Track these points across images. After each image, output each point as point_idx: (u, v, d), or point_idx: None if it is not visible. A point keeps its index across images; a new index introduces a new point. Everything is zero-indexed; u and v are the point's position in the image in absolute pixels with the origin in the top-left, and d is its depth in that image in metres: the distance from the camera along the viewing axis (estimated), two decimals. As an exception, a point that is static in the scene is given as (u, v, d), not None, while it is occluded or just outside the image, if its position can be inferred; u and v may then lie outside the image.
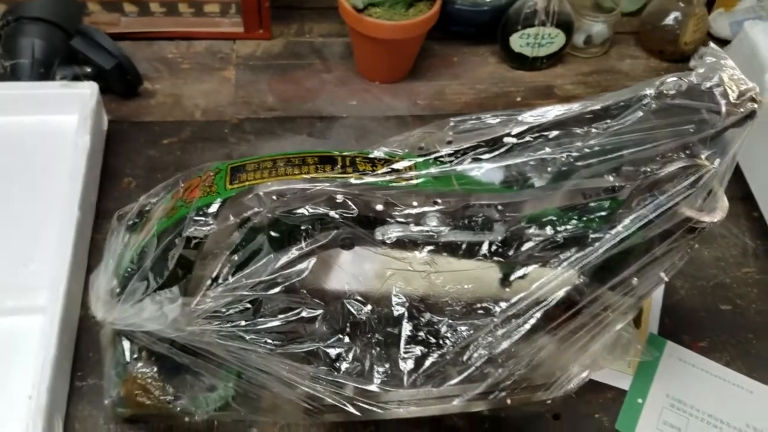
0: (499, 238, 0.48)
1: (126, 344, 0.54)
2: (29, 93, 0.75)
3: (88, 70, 0.80)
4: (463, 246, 0.48)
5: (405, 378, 0.47)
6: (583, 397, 0.63)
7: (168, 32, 0.91)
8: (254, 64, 0.90)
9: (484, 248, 0.48)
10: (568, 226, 0.48)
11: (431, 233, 0.47)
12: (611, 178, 0.47)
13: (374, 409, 0.46)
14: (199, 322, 0.49)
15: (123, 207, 0.56)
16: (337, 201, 0.46)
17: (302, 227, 0.47)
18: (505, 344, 0.46)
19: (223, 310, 0.48)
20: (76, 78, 0.79)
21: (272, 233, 0.47)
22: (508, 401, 0.48)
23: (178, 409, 0.53)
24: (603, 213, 0.49)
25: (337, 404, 0.46)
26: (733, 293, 0.71)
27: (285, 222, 0.46)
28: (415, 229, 0.47)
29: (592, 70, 0.93)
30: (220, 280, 0.48)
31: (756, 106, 0.47)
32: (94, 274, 0.54)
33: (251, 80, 0.87)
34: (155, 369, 0.53)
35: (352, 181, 0.46)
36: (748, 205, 0.78)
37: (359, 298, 0.49)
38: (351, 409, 0.46)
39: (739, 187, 0.78)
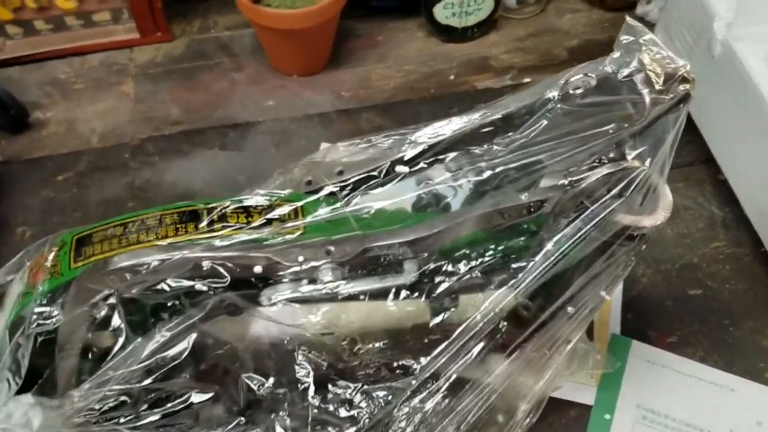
0: (409, 280, 0.41)
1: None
2: None
3: (-34, 111, 0.71)
4: (366, 298, 0.40)
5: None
6: (544, 420, 0.55)
7: (59, 50, 0.82)
8: (154, 72, 0.80)
9: (391, 296, 0.40)
10: (485, 258, 0.41)
11: (326, 291, 0.40)
12: (524, 198, 0.39)
13: None
14: (74, 423, 0.41)
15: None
16: (204, 269, 0.38)
17: (168, 303, 0.39)
18: (427, 407, 0.39)
19: (97, 406, 0.41)
20: (-47, 120, 0.70)
21: (131, 317, 0.39)
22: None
23: None
24: (523, 238, 0.41)
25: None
26: (702, 274, 0.64)
27: (144, 301, 0.39)
28: (307, 288, 0.40)
29: (529, 33, 0.84)
30: (84, 377, 0.40)
31: (689, 86, 0.39)
32: (-44, 369, 0.46)
33: (152, 91, 0.79)
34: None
35: (218, 243, 0.39)
36: (712, 168, 0.70)
37: (257, 375, 0.42)
38: None
39: (701, 150, 0.71)
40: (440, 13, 0.80)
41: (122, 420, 0.41)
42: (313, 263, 0.39)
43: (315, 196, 0.42)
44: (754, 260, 0.65)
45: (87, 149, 0.74)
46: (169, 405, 0.41)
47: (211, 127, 0.76)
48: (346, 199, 0.42)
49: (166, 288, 0.38)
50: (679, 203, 0.68)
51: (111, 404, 0.41)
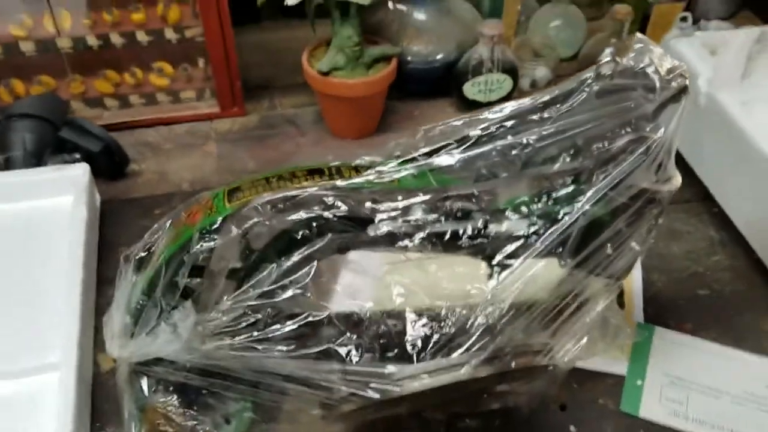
0: (479, 224, 0.53)
1: (143, 380, 0.56)
2: (24, 180, 0.79)
3: (77, 156, 0.85)
4: (448, 234, 0.52)
5: (414, 358, 0.49)
6: (584, 386, 0.65)
7: (149, 120, 0.97)
8: (233, 138, 0.96)
9: (468, 232, 0.52)
10: (539, 205, 0.53)
11: (419, 222, 0.51)
12: (568, 159, 0.53)
13: (390, 387, 0.48)
14: (213, 339, 0.51)
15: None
16: (328, 203, 0.51)
17: (300, 233, 0.51)
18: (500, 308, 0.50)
19: (233, 323, 0.51)
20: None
21: (275, 242, 0.50)
22: (513, 364, 0.50)
23: (201, 433, 0.55)
24: (569, 190, 0.53)
25: (354, 391, 0.49)
26: (708, 279, 0.76)
27: (284, 231, 0.50)
28: (403, 221, 0.52)
29: (545, 107, 1.00)
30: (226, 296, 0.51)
31: (686, 81, 0.53)
32: (106, 315, 0.57)
33: (231, 151, 0.93)
34: (174, 397, 0.55)
35: (339, 183, 0.51)
36: (708, 204, 0.84)
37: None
38: (369, 393, 0.48)
39: (697, 190, 0.84)
40: (468, 90, 0.97)
41: (254, 334, 0.51)
42: (409, 201, 0.52)
43: (403, 159, 0.55)
44: (749, 268, 0.77)
45: (179, 191, 0.87)
46: (290, 322, 0.51)
47: (281, 176, 0.90)
48: (426, 160, 0.55)
49: (301, 217, 0.50)
50: (683, 228, 0.81)
51: (246, 322, 0.51)
